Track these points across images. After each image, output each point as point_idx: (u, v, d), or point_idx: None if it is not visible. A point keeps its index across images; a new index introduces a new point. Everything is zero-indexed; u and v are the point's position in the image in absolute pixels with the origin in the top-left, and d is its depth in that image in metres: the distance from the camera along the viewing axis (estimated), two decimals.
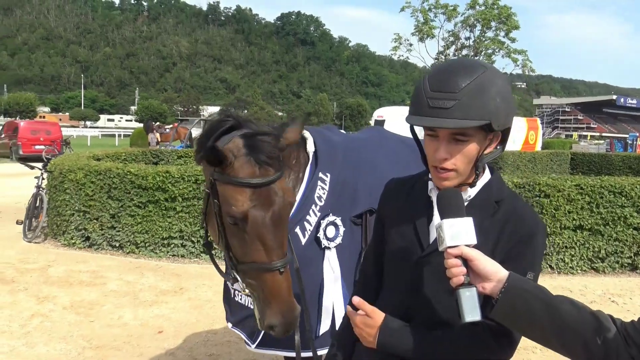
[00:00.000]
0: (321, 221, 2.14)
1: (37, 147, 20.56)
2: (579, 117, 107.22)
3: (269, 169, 1.65)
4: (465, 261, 1.17)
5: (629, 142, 35.57)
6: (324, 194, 2.20)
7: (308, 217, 2.13)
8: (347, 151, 2.38)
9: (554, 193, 6.70)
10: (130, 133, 30.98)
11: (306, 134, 2.33)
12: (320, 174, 2.20)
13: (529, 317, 1.15)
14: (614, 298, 5.94)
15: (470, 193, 1.38)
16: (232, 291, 2.29)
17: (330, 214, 2.18)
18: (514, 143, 23.25)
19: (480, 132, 1.30)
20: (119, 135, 44.35)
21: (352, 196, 2.27)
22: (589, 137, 71.72)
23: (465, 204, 1.34)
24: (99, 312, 4.95)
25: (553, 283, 6.36)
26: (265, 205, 1.63)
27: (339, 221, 2.19)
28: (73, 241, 7.28)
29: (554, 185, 6.75)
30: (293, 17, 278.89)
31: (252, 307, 1.87)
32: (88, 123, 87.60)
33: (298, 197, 2.09)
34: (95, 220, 7.17)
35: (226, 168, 1.63)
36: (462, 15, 11.27)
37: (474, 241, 1.18)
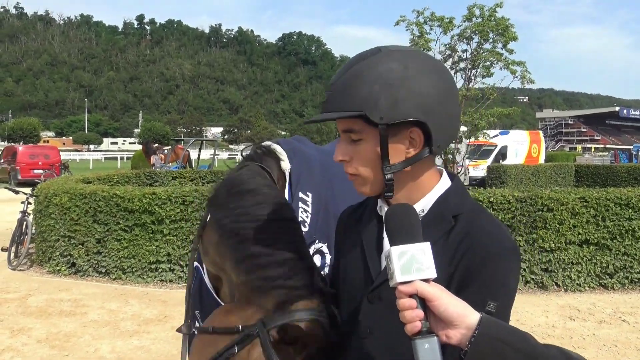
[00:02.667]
0: None
1: (36, 171, 20.48)
2: (582, 130, 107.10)
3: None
4: (424, 301, 0.88)
5: (634, 153, 35.30)
6: (307, 217, 1.89)
7: None
8: (322, 166, 2.10)
9: (558, 207, 6.40)
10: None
11: (278, 149, 2.03)
12: (301, 194, 1.89)
13: None
14: (624, 317, 5.60)
15: (423, 207, 1.11)
16: None
17: (317, 241, 1.89)
18: (517, 156, 23.03)
19: (369, 129, 1.05)
20: (122, 158, 44.34)
21: (333, 219, 1.98)
22: (592, 149, 71.46)
23: None
24: (74, 345, 4.65)
25: (560, 302, 6.04)
26: None
27: (325, 248, 1.89)
28: (58, 268, 7.01)
29: (557, 198, 6.45)
30: (294, 37, 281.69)
31: None
32: (91, 146, 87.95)
33: None
34: (80, 246, 6.91)
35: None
36: (458, 28, 11.14)
37: (433, 274, 0.89)
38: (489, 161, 20.99)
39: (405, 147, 1.07)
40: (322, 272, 1.86)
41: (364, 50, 1.13)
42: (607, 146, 78.14)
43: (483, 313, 0.89)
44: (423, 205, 1.11)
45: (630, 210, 6.46)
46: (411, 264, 0.88)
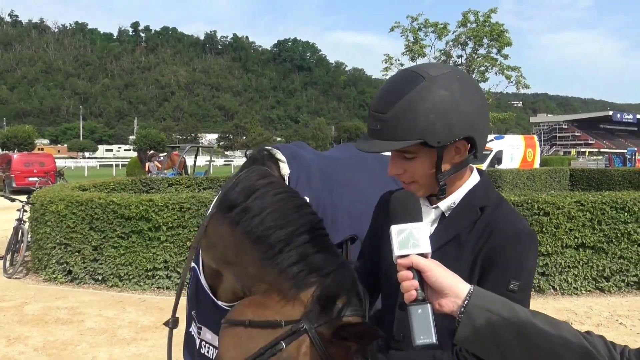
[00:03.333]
0: None
1: (31, 179, 20.37)
2: (577, 134, 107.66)
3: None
4: (420, 273, 0.99)
5: (628, 156, 35.48)
6: None
7: None
8: (321, 171, 2.10)
9: (554, 210, 6.43)
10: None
11: (278, 154, 2.03)
12: None
13: (496, 347, 0.90)
14: (621, 320, 5.62)
15: (455, 199, 1.29)
16: (198, 341, 1.96)
17: None
18: (512, 161, 23.09)
19: (424, 149, 1.20)
20: (117, 165, 44.21)
21: (331, 222, 1.97)
22: (587, 153, 71.78)
23: (449, 212, 1.29)
24: (71, 353, 4.63)
25: (557, 305, 6.06)
26: None
27: None
28: (54, 276, 6.98)
29: (553, 202, 6.48)
30: (289, 43, 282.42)
31: None
32: (86, 154, 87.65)
33: None
34: (77, 253, 6.88)
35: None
36: (453, 34, 11.22)
37: (428, 249, 1.01)
38: (484, 165, 21.04)
39: (451, 156, 1.23)
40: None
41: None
42: (601, 150, 78.56)
43: (475, 285, 0.98)
44: (455, 198, 1.29)
45: (625, 214, 6.50)
46: (408, 240, 1.00)
